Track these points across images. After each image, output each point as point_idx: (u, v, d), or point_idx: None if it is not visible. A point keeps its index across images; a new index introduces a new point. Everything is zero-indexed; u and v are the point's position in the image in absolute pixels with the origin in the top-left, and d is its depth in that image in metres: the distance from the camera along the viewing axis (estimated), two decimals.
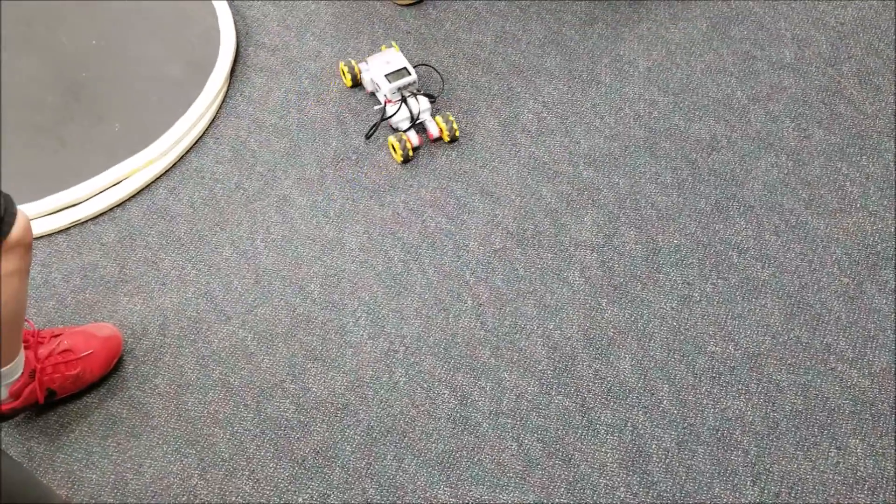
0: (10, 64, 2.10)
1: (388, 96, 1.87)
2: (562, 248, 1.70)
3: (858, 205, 1.70)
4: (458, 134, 1.88)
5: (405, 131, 1.87)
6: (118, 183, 1.85)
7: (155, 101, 1.97)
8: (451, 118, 1.88)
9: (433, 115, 1.91)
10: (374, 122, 1.91)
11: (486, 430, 1.48)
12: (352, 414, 1.52)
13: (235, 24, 2.14)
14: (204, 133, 1.95)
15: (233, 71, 2.06)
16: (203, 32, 2.09)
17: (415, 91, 1.90)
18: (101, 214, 1.84)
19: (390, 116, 1.87)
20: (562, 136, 1.88)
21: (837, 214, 1.69)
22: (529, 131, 1.89)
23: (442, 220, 1.77)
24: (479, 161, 1.85)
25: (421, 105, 1.88)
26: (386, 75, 1.87)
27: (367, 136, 1.89)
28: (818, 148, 1.80)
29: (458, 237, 1.74)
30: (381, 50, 2.00)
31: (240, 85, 2.03)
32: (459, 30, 2.08)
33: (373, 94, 1.97)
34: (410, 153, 1.84)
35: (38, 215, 1.81)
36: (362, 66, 1.96)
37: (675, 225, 1.71)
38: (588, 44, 2.01)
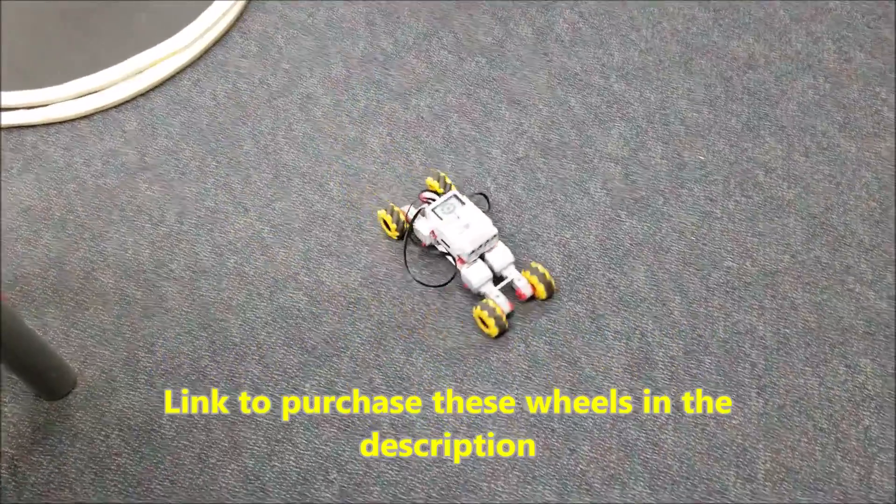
0: None
1: (465, 258, 1.48)
2: (586, 159, 1.68)
3: (893, 130, 1.65)
4: (554, 285, 1.48)
5: (487, 297, 1.45)
6: (141, 72, 1.85)
7: None
8: (537, 266, 1.47)
9: (518, 267, 1.50)
10: (449, 279, 1.52)
11: None
12: (364, 308, 1.52)
13: None
14: (230, 27, 1.93)
15: None
16: None
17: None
18: (125, 102, 1.83)
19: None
20: (596, 48, 1.83)
21: (871, 139, 1.64)
22: (563, 41, 1.85)
23: (466, 126, 1.75)
24: (509, 69, 1.82)
25: (502, 257, 1.49)
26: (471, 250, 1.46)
27: (444, 284, 1.52)
28: (858, 71, 1.74)
29: (481, 144, 1.72)
30: (429, 188, 1.61)
31: None
32: None
33: (431, 247, 1.56)
34: (506, 324, 1.44)
35: (61, 99, 1.81)
36: (413, 214, 1.55)
37: (703, 142, 1.67)
38: None
